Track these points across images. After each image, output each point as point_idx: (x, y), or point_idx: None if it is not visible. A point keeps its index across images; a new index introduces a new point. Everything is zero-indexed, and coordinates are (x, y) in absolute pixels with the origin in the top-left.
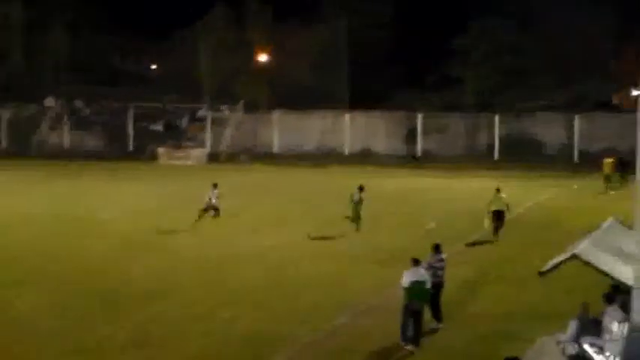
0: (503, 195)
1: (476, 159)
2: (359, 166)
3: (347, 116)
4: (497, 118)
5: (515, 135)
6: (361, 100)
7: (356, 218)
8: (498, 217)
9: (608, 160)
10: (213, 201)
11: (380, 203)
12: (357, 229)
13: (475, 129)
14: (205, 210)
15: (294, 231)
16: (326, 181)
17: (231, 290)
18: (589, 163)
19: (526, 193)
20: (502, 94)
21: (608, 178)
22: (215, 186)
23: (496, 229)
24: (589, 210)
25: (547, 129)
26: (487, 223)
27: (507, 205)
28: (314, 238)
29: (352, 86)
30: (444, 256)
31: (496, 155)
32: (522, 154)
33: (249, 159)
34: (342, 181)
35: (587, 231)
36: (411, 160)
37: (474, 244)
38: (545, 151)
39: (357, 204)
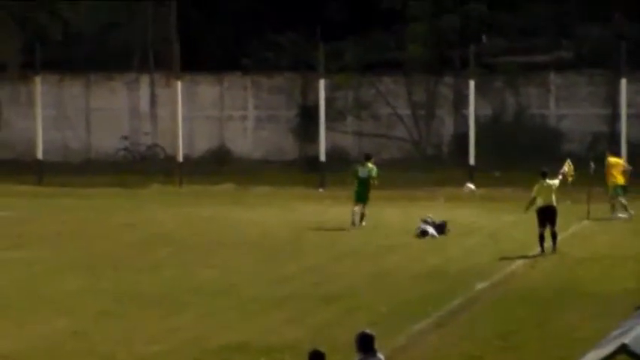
0: (552, 182)
1: (433, 165)
2: (206, 182)
3: (178, 86)
4: (472, 86)
5: (506, 118)
6: (206, 55)
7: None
8: (548, 216)
9: (617, 161)
10: None
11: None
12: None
13: (429, 106)
14: None
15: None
16: (138, 218)
17: None
18: None
19: (528, 233)
20: (476, 42)
21: (623, 191)
22: None
23: (542, 237)
24: None
25: (567, 105)
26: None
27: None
28: None
29: (186, 29)
30: (381, 357)
31: (472, 156)
32: (520, 154)
33: None
34: (170, 215)
35: None
36: (307, 170)
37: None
38: (566, 145)
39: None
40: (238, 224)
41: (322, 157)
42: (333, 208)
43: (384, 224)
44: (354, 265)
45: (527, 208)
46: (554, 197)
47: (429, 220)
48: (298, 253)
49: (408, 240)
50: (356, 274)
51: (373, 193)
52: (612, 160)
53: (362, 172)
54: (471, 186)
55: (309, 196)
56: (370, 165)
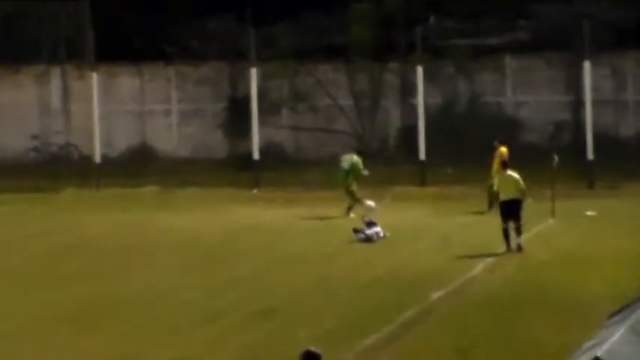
0: (514, 174)
1: (379, 161)
2: (127, 185)
3: (94, 78)
4: (419, 72)
5: (458, 107)
6: (125, 44)
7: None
8: (511, 210)
9: (501, 149)
10: None
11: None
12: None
13: (373, 96)
14: None
15: None
16: (51, 226)
17: None
18: (622, 159)
19: (485, 235)
20: (423, 24)
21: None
22: None
23: (506, 232)
24: (619, 260)
25: (525, 91)
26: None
27: (523, 191)
28: None
29: (102, 15)
30: None
31: (422, 151)
32: (475, 147)
33: None
34: (88, 222)
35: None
36: (239, 169)
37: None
38: (526, 135)
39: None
40: (164, 231)
41: (255, 155)
42: (269, 211)
43: (327, 227)
44: (294, 273)
45: (492, 205)
46: (517, 191)
47: (358, 228)
48: (231, 262)
49: (353, 245)
50: (296, 284)
51: (311, 194)
52: (504, 149)
53: (345, 162)
54: (371, 203)
55: (242, 198)
56: (355, 157)
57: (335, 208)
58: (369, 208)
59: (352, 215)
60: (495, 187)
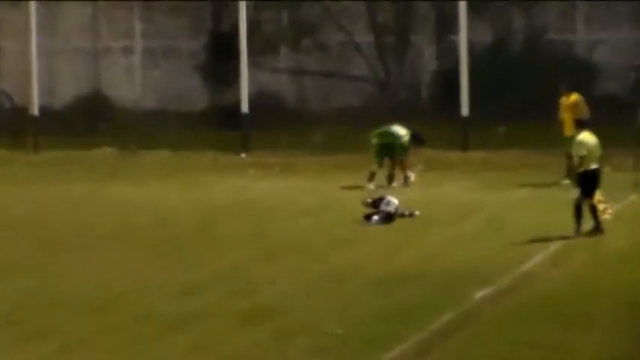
0: (593, 136)
1: (408, 116)
2: (74, 146)
3: (32, 6)
4: (462, 2)
5: (513, 47)
6: None
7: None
8: (591, 183)
9: (573, 98)
10: None
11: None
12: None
13: (400, 32)
14: None
15: None
16: None
17: None
18: None
19: (544, 218)
20: None
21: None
22: None
23: (579, 211)
24: None
25: (601, 28)
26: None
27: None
28: None
29: None
30: None
31: (464, 104)
32: (535, 99)
33: None
34: (22, 195)
35: None
36: (222, 126)
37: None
38: (601, 84)
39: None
40: (123, 207)
41: (245, 108)
42: (261, 182)
43: (336, 205)
44: (292, 265)
45: (574, 177)
46: (597, 157)
47: (368, 212)
48: (210, 250)
49: (370, 227)
50: (294, 278)
51: (316, 160)
52: (574, 97)
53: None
54: (411, 175)
55: (227, 165)
56: (406, 137)
57: (348, 180)
58: (405, 180)
59: (395, 185)
60: (578, 152)
